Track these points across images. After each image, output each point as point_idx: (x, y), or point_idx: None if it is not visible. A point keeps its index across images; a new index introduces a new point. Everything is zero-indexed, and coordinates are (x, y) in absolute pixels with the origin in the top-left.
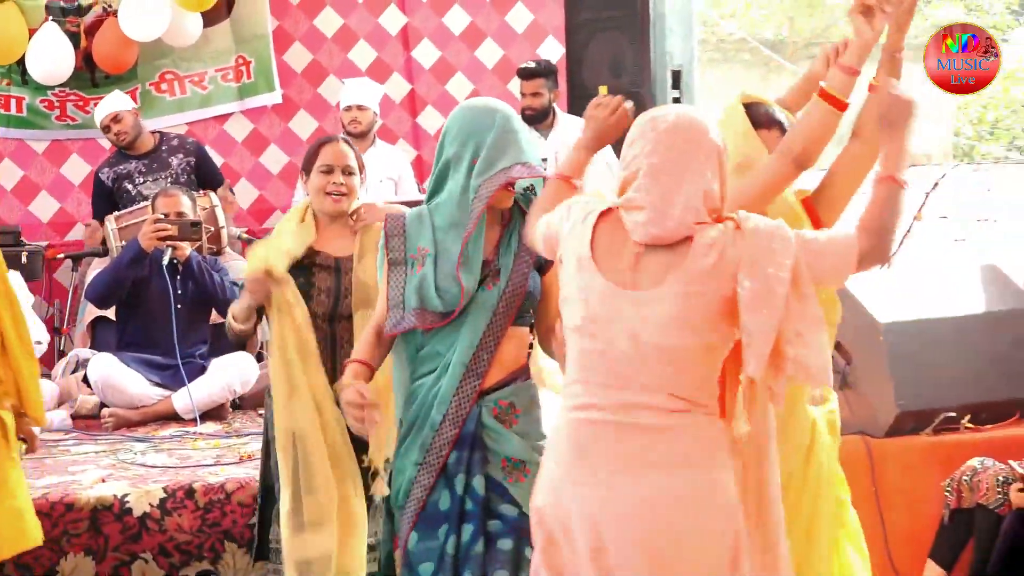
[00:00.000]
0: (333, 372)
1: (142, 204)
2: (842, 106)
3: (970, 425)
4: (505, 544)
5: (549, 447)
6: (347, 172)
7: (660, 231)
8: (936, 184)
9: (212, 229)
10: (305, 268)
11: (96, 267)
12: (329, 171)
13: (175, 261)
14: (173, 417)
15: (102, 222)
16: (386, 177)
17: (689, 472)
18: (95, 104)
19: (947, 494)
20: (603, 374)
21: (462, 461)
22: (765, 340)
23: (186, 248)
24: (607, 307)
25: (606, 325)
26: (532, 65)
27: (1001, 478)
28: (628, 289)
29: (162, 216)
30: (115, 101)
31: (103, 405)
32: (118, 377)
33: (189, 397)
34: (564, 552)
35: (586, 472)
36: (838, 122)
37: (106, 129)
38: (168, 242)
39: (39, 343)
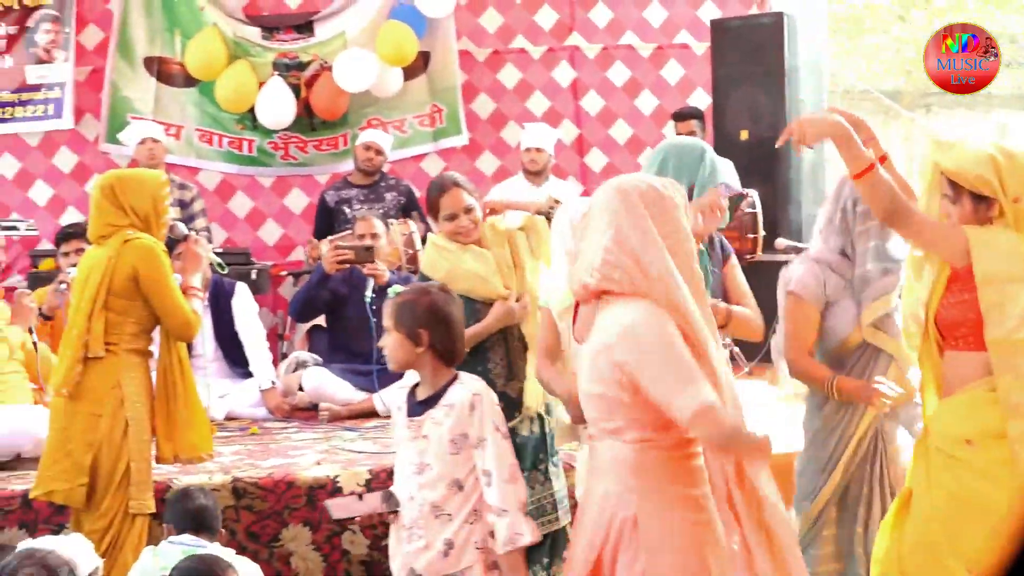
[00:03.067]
0: (508, 369)
1: (350, 231)
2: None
3: None
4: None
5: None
6: (468, 211)
7: (572, 285)
8: None
9: (411, 252)
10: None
11: None
12: (454, 217)
13: (373, 293)
14: (374, 413)
15: (321, 237)
16: None
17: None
18: (313, 146)
19: None
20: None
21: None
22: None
23: (385, 274)
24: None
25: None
26: (686, 108)
27: None
28: (580, 343)
29: (340, 244)
30: (384, 137)
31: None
32: (327, 386)
33: (381, 402)
34: None
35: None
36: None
37: (367, 148)
38: (347, 264)
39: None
